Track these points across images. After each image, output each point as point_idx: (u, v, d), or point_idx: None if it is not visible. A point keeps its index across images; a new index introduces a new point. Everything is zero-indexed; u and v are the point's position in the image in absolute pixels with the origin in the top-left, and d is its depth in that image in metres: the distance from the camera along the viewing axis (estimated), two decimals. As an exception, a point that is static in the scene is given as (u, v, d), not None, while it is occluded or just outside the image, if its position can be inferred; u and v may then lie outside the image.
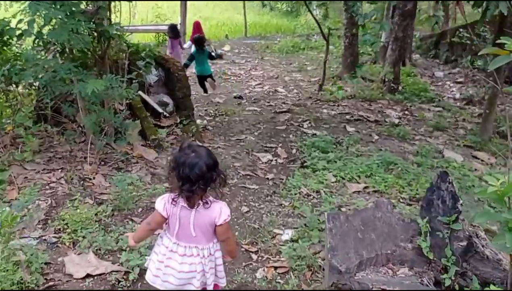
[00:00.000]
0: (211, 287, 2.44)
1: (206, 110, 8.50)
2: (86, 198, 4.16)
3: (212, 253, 2.38)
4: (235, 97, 9.76)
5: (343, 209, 4.19)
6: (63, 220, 3.55)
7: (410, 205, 4.58)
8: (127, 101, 5.40)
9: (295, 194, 4.67)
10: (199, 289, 2.35)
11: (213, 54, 10.79)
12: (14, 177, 4.33)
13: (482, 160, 6.41)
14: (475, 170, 5.87)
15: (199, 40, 9.68)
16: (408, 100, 9.65)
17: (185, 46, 12.97)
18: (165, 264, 2.33)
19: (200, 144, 2.42)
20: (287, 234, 3.56)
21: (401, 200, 4.71)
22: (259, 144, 6.51)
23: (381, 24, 8.71)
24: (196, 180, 2.14)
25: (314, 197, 4.64)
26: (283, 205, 4.41)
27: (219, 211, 2.27)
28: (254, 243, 3.46)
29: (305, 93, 10.27)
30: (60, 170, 4.61)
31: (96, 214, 3.75)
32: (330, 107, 8.95)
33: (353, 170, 5.37)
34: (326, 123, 7.80)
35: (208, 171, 2.17)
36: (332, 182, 5.10)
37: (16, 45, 5.61)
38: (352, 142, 6.61)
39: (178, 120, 6.45)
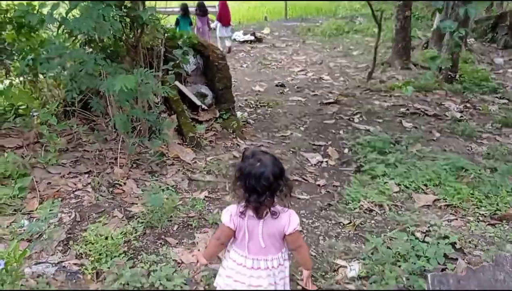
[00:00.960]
0: None
1: (246, 100, 7.88)
2: (115, 210, 3.63)
3: (282, 263, 2.30)
4: (277, 85, 9.09)
5: (418, 234, 3.49)
6: (87, 243, 3.03)
7: (493, 225, 3.84)
8: (163, 95, 4.82)
9: (354, 209, 4.00)
10: None
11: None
12: (37, 181, 3.86)
13: None
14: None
15: (186, 9, 10.87)
16: (468, 90, 8.70)
17: (212, 25, 12.38)
18: (234, 278, 2.26)
19: (264, 151, 2.18)
20: (354, 269, 2.92)
21: (480, 218, 3.97)
22: (306, 141, 5.85)
23: (435, 6, 7.79)
24: (264, 191, 2.07)
25: (377, 213, 3.96)
26: (341, 224, 3.75)
27: (287, 220, 2.19)
28: (313, 278, 2.84)
29: (353, 81, 9.48)
30: (87, 175, 4.11)
31: (125, 234, 3.21)
32: (382, 98, 8.14)
33: (418, 177, 4.64)
34: (379, 117, 7.03)
35: (275, 180, 2.09)
36: (395, 192, 4.41)
37: (47, 31, 5.14)
38: (412, 141, 5.85)
39: (218, 114, 5.86)
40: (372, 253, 3.17)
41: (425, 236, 3.52)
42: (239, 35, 14.12)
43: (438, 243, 3.31)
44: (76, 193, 3.82)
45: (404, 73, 10.09)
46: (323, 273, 2.99)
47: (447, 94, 8.59)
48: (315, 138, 6.02)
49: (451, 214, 4.00)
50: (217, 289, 2.38)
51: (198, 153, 5.01)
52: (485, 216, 4.00)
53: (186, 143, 5.07)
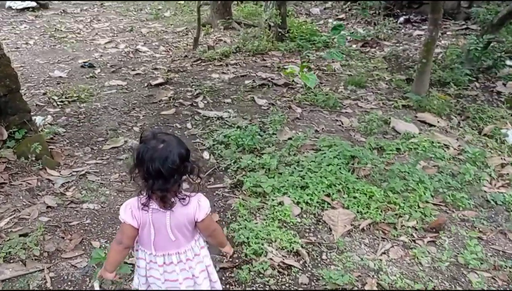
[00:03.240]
0: None
1: (45, 94, 5.71)
2: None
3: (198, 252, 2.06)
4: (83, 66, 6.99)
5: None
6: None
7: (434, 242, 2.96)
8: None
9: (263, 272, 2.66)
10: None
11: None
12: None
13: (432, 125, 5.10)
14: (445, 145, 4.50)
15: None
16: (303, 48, 7.98)
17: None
18: (148, 274, 2.03)
19: (164, 131, 1.92)
20: None
21: (415, 235, 3.05)
22: (148, 150, 4.23)
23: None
24: (170, 174, 1.79)
25: (296, 270, 2.69)
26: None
27: (196, 205, 1.94)
28: None
29: (177, 51, 7.92)
30: None
31: None
32: (219, 70, 6.83)
33: (315, 183, 3.53)
34: (226, 96, 5.74)
35: (182, 163, 1.82)
36: (299, 217, 3.21)
37: None
38: (279, 126, 4.73)
39: (5, 135, 3.76)
40: None
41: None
42: (15, 2, 11.01)
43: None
44: None
45: (230, 35, 8.92)
46: None
47: (284, 55, 7.72)
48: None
49: (382, 239, 2.98)
50: (135, 288, 2.17)
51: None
52: (418, 230, 3.10)
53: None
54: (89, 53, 7.74)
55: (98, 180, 3.62)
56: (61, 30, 9.26)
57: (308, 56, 7.60)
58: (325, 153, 4.02)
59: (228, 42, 8.40)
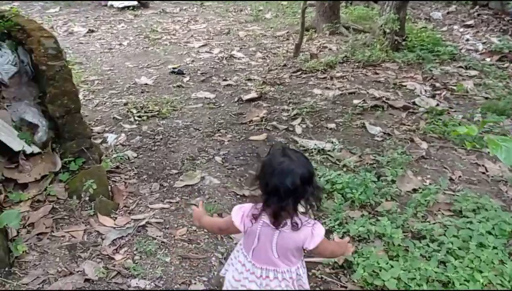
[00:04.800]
0: None
1: (125, 105, 5.09)
2: None
3: (300, 273, 1.94)
4: (172, 72, 6.35)
5: None
6: None
7: None
8: None
9: None
10: None
11: None
12: None
13: None
14: None
15: None
16: (425, 60, 6.65)
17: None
18: (242, 283, 1.95)
19: (295, 149, 1.97)
20: None
21: None
22: (227, 195, 3.32)
23: None
24: (287, 194, 1.71)
25: None
26: None
27: (309, 234, 1.81)
28: None
29: (275, 58, 6.99)
30: None
31: None
32: (321, 83, 5.79)
33: (461, 279, 2.36)
34: (330, 120, 4.69)
35: (302, 185, 1.72)
36: None
37: None
38: (398, 169, 3.58)
39: (59, 165, 3.06)
40: None
41: None
42: (117, 0, 10.87)
43: None
44: None
45: (336, 41, 7.82)
46: None
47: (401, 68, 6.46)
48: (242, 182, 3.51)
49: None
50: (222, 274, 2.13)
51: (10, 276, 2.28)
52: None
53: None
54: (181, 58, 7.10)
55: (160, 236, 2.78)
56: (156, 31, 8.80)
57: (431, 70, 6.27)
58: (471, 221, 2.83)
59: (334, 50, 7.32)
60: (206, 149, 4.02)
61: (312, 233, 1.82)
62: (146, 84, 5.91)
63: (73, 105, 3.04)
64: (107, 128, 4.49)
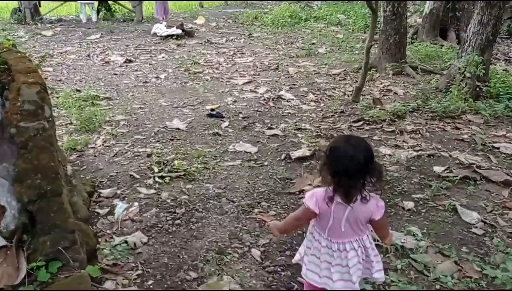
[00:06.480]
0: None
1: (149, 157, 4.18)
2: None
3: (371, 242, 2.16)
4: (210, 115, 5.43)
5: None
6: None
7: None
8: None
9: None
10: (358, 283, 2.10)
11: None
12: None
13: None
14: None
15: None
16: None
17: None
18: (322, 259, 2.11)
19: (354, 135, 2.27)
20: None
21: None
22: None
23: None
24: (355, 173, 1.92)
25: None
26: None
27: (375, 205, 2.03)
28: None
29: (330, 101, 5.94)
30: None
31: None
32: (390, 140, 4.68)
33: None
34: (406, 195, 3.56)
35: (366, 164, 1.92)
36: None
37: None
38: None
39: (23, 272, 2.10)
40: None
41: None
42: (160, 28, 10.23)
43: None
44: None
45: (402, 83, 6.70)
46: None
47: (487, 121, 5.25)
48: (290, 293, 2.46)
49: None
50: (304, 270, 2.18)
51: None
52: None
53: None
54: (222, 96, 6.19)
55: None
56: (198, 64, 7.99)
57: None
58: None
59: (400, 95, 6.21)
60: (241, 235, 2.98)
61: (377, 205, 2.03)
62: (177, 129, 5.00)
63: (50, 186, 2.10)
64: (118, 191, 3.55)
